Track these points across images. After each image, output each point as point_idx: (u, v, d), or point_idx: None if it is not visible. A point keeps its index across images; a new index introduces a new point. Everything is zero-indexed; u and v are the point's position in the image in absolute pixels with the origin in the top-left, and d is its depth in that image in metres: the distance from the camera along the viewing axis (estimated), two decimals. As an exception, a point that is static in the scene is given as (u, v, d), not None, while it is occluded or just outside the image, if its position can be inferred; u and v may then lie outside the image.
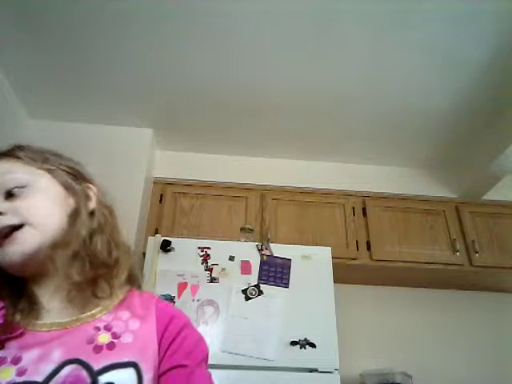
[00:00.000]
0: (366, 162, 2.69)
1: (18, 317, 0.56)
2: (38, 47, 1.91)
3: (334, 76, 2.04)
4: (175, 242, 1.80)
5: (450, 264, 2.22)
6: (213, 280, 1.73)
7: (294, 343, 1.62)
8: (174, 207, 2.26)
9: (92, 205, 0.68)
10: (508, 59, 1.90)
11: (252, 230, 2.11)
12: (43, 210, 0.61)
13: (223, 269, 1.76)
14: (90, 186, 0.71)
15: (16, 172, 0.63)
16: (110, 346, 0.56)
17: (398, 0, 1.66)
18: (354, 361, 2.15)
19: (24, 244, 0.58)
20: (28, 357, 0.53)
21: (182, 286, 1.70)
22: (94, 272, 0.62)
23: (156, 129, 2.46)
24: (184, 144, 2.58)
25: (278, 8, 1.70)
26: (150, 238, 1.84)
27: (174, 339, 0.61)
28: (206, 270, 1.75)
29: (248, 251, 1.82)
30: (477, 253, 2.24)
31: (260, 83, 2.10)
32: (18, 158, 0.65)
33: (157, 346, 0.59)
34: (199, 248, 1.80)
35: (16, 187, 0.61)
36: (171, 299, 1.66)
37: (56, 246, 0.61)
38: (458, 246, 2.25)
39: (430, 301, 2.44)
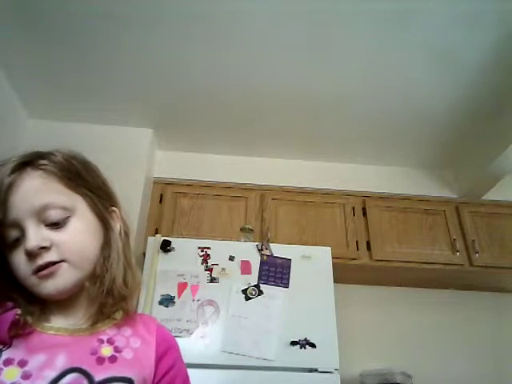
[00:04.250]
0: (366, 161, 2.68)
1: (29, 319, 0.57)
2: (38, 47, 1.91)
3: (334, 76, 2.04)
4: (175, 242, 1.80)
5: (450, 264, 2.22)
6: (213, 280, 1.73)
7: (294, 343, 1.62)
8: (174, 207, 2.26)
9: (116, 231, 0.67)
10: (508, 59, 1.90)
11: (252, 229, 2.11)
12: (83, 246, 0.60)
13: (223, 269, 1.76)
14: (115, 209, 0.68)
15: (56, 195, 0.59)
16: (112, 359, 0.58)
17: (398, 0, 1.66)
18: (354, 361, 2.15)
19: (61, 280, 0.57)
20: (34, 361, 0.54)
21: (181, 286, 1.70)
22: (112, 300, 0.62)
23: (156, 129, 2.45)
24: (184, 144, 2.58)
25: (277, 8, 1.70)
26: (149, 238, 1.84)
27: (169, 369, 0.64)
28: (205, 270, 1.75)
29: (248, 251, 1.82)
30: (477, 253, 2.24)
31: (260, 83, 2.10)
32: (52, 172, 0.60)
33: (153, 370, 0.61)
34: (199, 248, 1.80)
35: (61, 218, 0.58)
36: (171, 299, 1.66)
37: (87, 278, 0.62)
38: (458, 246, 2.25)
39: (430, 301, 2.44)
